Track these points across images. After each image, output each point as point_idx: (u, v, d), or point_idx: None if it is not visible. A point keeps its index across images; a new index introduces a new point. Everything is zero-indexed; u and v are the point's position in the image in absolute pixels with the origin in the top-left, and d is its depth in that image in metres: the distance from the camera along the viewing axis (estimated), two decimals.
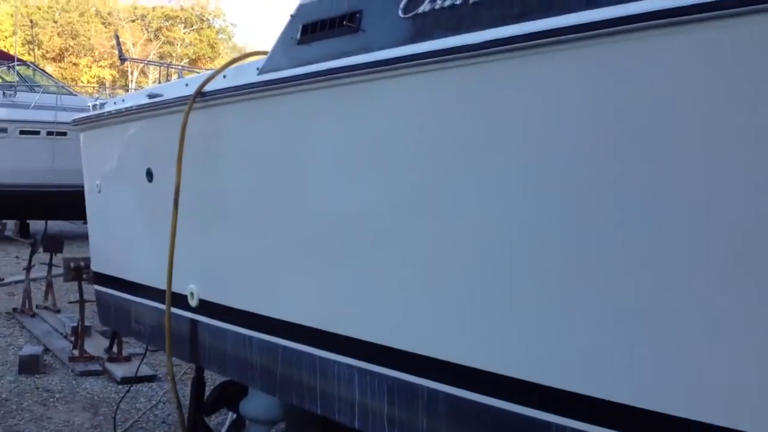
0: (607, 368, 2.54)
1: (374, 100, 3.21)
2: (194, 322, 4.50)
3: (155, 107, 4.78)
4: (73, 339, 8.31)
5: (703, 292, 2.29)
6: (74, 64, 49.51)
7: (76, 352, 7.84)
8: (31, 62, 20.63)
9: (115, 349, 7.79)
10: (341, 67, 3.29)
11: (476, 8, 2.79)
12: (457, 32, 2.82)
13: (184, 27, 55.09)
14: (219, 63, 8.96)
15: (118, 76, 48.27)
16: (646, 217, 2.38)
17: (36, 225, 18.51)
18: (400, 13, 3.09)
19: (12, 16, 39.16)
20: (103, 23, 51.11)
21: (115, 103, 5.61)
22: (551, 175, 2.61)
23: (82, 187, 6.22)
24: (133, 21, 52.06)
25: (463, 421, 2.98)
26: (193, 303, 4.46)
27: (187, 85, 4.59)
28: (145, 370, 7.14)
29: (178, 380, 4.79)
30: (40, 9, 48.38)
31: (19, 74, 18.61)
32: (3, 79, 19.02)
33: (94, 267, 5.98)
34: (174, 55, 50.11)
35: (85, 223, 6.67)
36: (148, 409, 6.50)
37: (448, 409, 3.03)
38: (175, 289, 4.45)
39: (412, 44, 3.00)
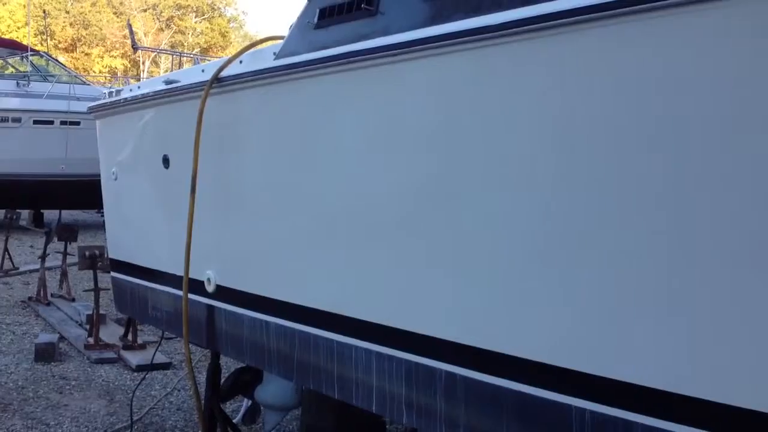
0: (627, 351, 2.53)
1: (393, 84, 3.19)
2: (211, 308, 4.51)
3: (171, 93, 4.77)
4: (88, 327, 8.37)
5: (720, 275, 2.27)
6: (86, 54, 49.68)
7: (91, 340, 7.88)
8: (45, 52, 20.67)
9: (129, 336, 7.83)
10: (359, 51, 3.27)
11: None
12: (477, 13, 2.80)
13: (196, 16, 55.14)
14: (230, 52, 8.94)
15: (129, 65, 48.41)
16: (669, 204, 2.36)
17: (50, 215, 18.62)
18: None
19: (25, 6, 39.18)
20: (115, 13, 51.28)
21: (131, 90, 5.60)
22: (573, 156, 2.58)
23: (96, 176, 6.22)
24: (145, 11, 52.15)
25: (481, 405, 2.98)
26: (210, 289, 4.47)
27: (203, 71, 4.58)
28: (160, 358, 7.18)
29: (193, 367, 4.80)
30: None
31: (32, 64, 18.67)
32: (16, 69, 19.10)
33: (111, 254, 5.99)
34: (185, 44, 50.18)
35: (99, 212, 6.69)
36: (164, 396, 6.54)
37: (466, 392, 3.02)
38: (192, 275, 4.45)
39: (430, 26, 2.99)
